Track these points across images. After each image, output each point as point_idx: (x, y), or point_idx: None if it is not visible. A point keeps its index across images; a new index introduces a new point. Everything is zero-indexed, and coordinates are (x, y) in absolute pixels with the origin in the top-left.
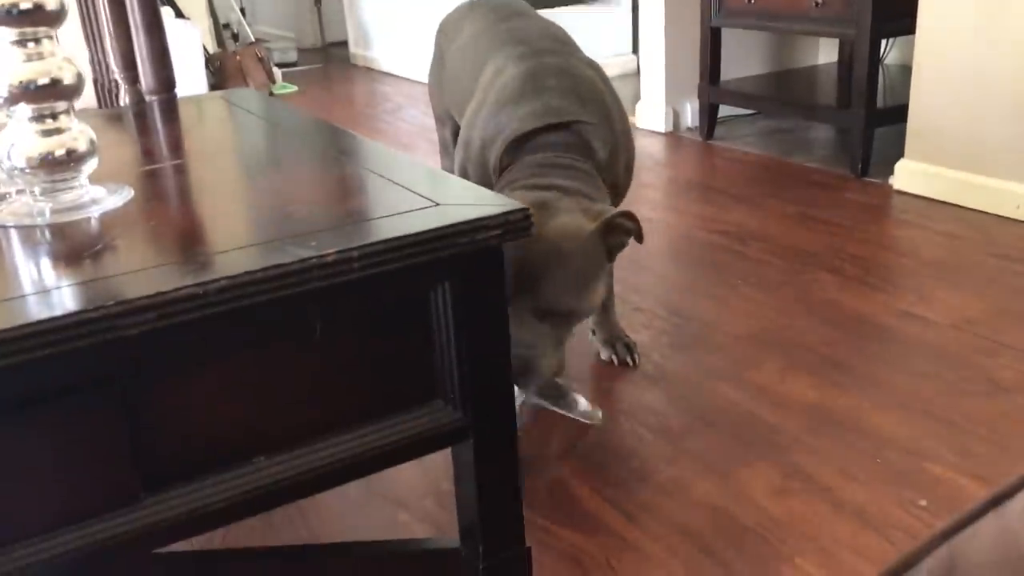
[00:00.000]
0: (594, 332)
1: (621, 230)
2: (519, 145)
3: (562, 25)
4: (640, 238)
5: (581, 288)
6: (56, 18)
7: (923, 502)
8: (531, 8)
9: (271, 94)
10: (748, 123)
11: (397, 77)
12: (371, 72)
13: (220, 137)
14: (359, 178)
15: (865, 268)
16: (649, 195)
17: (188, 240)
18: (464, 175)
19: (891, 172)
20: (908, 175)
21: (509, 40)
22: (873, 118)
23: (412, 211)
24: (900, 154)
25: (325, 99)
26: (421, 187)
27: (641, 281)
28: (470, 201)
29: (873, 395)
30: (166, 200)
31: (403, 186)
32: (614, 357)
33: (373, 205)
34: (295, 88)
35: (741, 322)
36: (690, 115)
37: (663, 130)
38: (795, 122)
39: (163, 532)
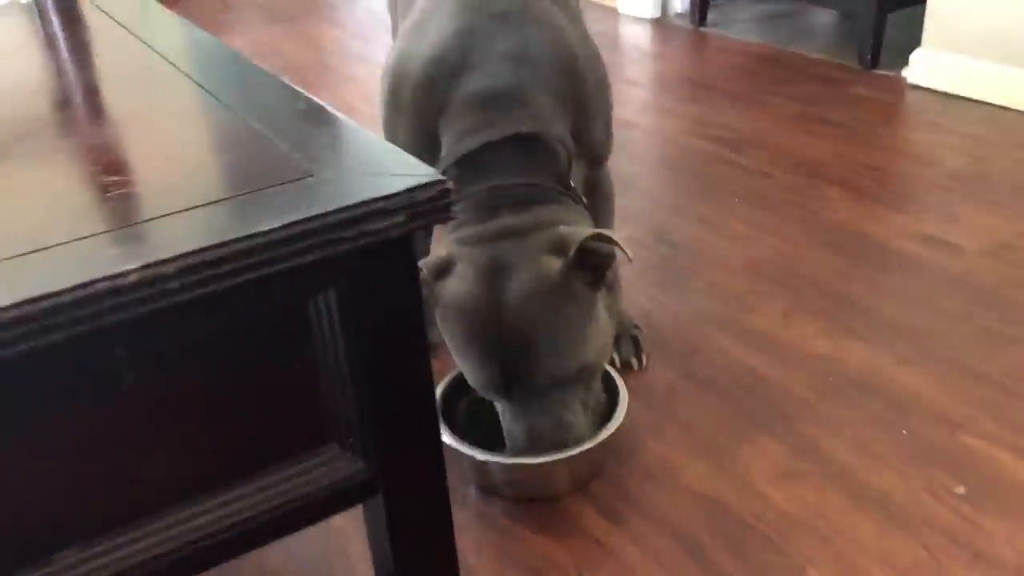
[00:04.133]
0: None
1: (596, 255)
2: (465, 161)
3: None
4: (627, 256)
5: (576, 343)
6: None
7: (960, 489)
8: None
9: None
10: (744, 6)
11: None
12: None
13: (44, 61)
14: (224, 132)
15: (879, 181)
16: (634, 94)
17: None
18: (395, 104)
19: (905, 63)
20: (925, 67)
21: None
22: (886, 0)
23: (277, 187)
24: (916, 42)
25: None
26: (302, 147)
27: (624, 202)
28: (366, 168)
29: (894, 344)
30: None
31: (278, 145)
32: (615, 357)
33: (227, 177)
34: None
35: (738, 251)
36: None
37: (650, 16)
38: (796, 5)
39: None
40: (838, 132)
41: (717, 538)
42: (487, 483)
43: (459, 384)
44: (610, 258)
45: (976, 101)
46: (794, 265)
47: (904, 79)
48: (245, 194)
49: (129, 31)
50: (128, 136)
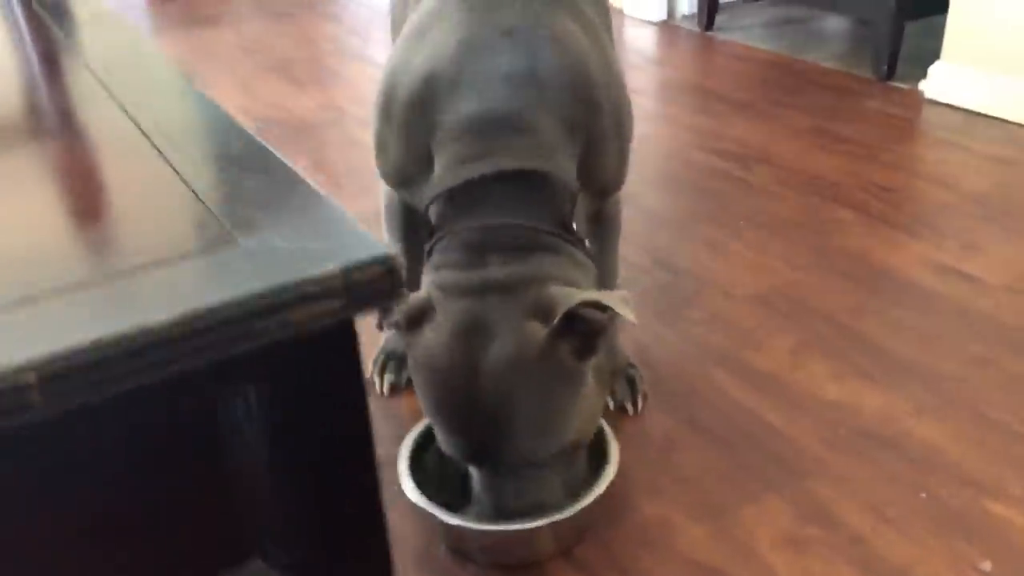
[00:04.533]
0: None
1: (587, 323)
2: (456, 193)
3: None
4: (631, 320)
5: (556, 423)
6: None
7: (986, 565)
8: None
9: None
10: (754, 10)
11: None
12: None
13: None
14: (133, 180)
15: (895, 204)
16: (638, 102)
17: None
18: (386, 118)
19: (923, 76)
20: (944, 80)
21: None
22: (905, 8)
23: (182, 261)
24: (935, 54)
25: None
26: (230, 204)
27: (626, 219)
28: (300, 236)
29: (911, 390)
30: None
31: (200, 199)
32: (609, 400)
33: (118, 245)
34: None
35: (743, 279)
36: (687, 0)
37: (656, 18)
38: (809, 11)
39: None
40: (851, 149)
41: None
42: (458, 546)
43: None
44: (603, 326)
45: (999, 119)
46: (804, 296)
47: (921, 93)
48: (138, 270)
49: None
50: (16, 174)
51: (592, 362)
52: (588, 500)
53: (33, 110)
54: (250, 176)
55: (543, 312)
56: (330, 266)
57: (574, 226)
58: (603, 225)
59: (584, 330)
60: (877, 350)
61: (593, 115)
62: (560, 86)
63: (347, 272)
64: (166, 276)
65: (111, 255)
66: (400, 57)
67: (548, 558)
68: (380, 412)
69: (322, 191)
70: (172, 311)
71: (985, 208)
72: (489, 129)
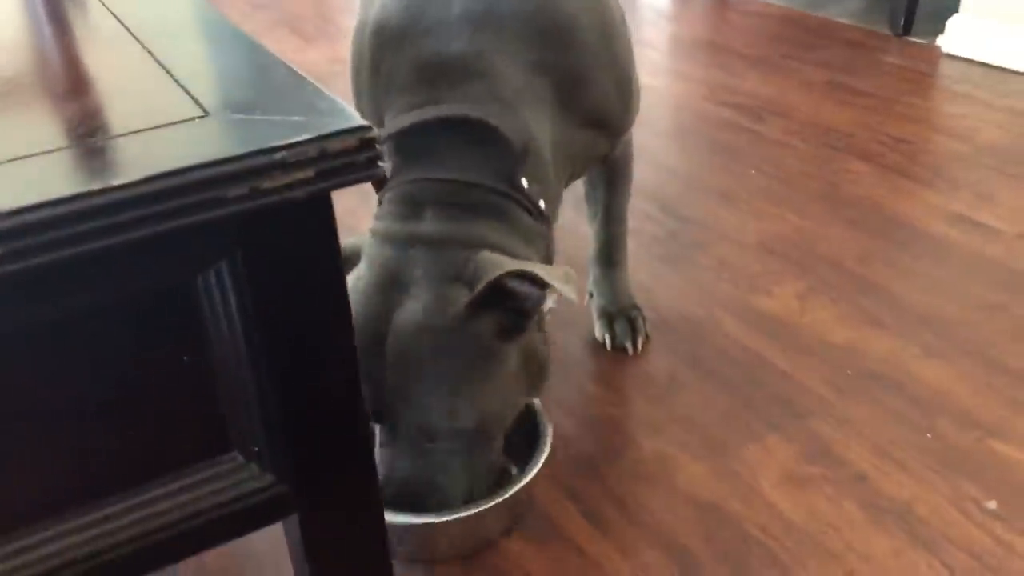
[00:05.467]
0: (591, 295)
1: (516, 298)
2: (402, 145)
3: None
4: (572, 299)
5: (461, 398)
6: None
7: (991, 503)
8: None
9: None
10: None
11: None
12: None
13: None
14: (107, 56)
15: (909, 156)
16: (649, 56)
17: None
18: (355, 75)
19: (940, 30)
20: (962, 35)
21: None
22: None
23: (152, 130)
24: (953, 8)
25: None
26: (203, 80)
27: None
28: (274, 110)
29: (920, 335)
30: None
31: (174, 76)
32: (607, 337)
33: (87, 116)
34: None
35: (753, 226)
36: None
37: None
38: None
39: None
40: (866, 102)
41: (714, 550)
42: None
43: None
44: (536, 304)
45: (1017, 73)
46: (813, 244)
47: (939, 47)
48: (111, 139)
49: None
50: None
51: (521, 344)
52: (492, 502)
53: (25, 9)
54: (231, 60)
55: (468, 277)
56: (304, 135)
57: (524, 184)
58: (611, 168)
59: (513, 306)
60: (886, 296)
61: (568, 53)
62: (523, 24)
63: (321, 141)
64: (139, 144)
65: (86, 126)
66: (360, 14)
67: (441, 559)
68: None
69: (303, 72)
70: (140, 172)
71: (1001, 160)
72: (440, 74)
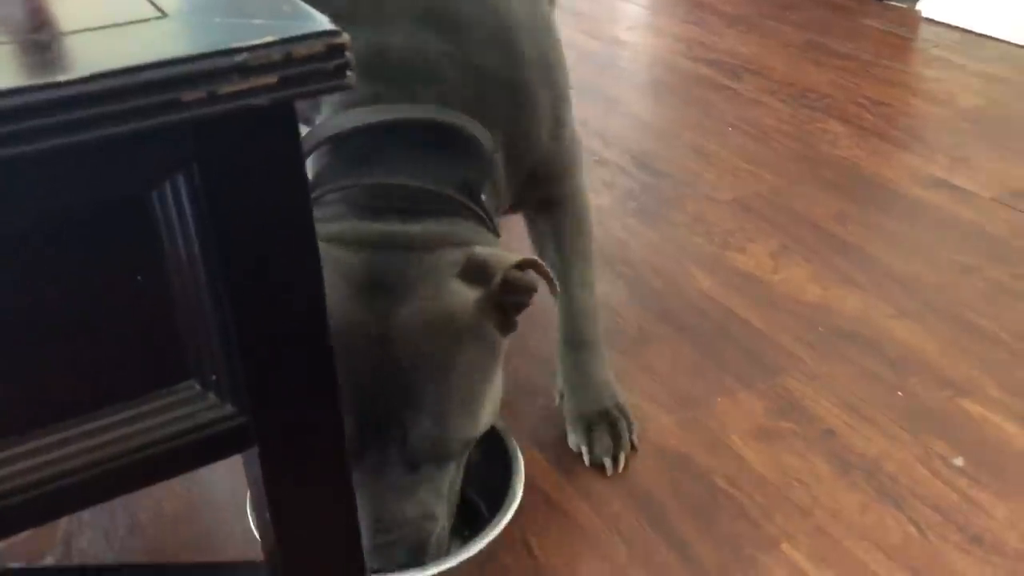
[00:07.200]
0: (562, 396)
1: (519, 289)
2: (340, 146)
3: None
4: (553, 290)
5: (473, 403)
6: None
7: (958, 460)
8: None
9: None
10: None
11: None
12: None
13: None
14: None
15: (886, 118)
16: (625, 10)
17: None
18: None
19: None
20: None
21: None
22: None
23: (112, 28)
24: None
25: None
26: None
27: (608, 124)
28: (237, 12)
29: (893, 295)
30: None
31: None
32: (584, 450)
33: (33, 13)
34: None
35: (728, 183)
36: None
37: None
38: None
39: None
40: (845, 64)
41: (681, 502)
42: None
43: None
44: (530, 295)
45: (995, 39)
46: (788, 202)
47: (918, 12)
48: (62, 35)
49: None
50: None
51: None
52: (477, 546)
53: None
54: None
55: (473, 272)
56: (268, 38)
57: (483, 198)
58: (557, 220)
59: (513, 300)
60: (860, 255)
61: (513, 66)
62: (469, 25)
63: (286, 44)
64: (89, 41)
65: (31, 22)
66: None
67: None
68: None
69: None
70: (88, 69)
71: (978, 124)
72: (380, 70)
